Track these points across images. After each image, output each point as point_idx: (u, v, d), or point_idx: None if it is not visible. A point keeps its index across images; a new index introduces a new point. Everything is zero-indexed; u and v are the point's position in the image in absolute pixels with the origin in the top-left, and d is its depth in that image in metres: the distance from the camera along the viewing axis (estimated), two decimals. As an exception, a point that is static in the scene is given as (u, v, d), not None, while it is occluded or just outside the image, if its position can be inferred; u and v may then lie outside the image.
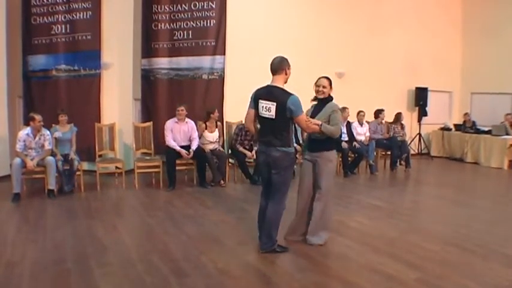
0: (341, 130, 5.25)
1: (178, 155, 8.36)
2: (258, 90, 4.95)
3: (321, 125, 4.97)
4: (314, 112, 5.26)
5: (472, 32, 13.98)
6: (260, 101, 4.84)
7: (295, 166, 5.29)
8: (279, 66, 4.83)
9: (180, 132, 8.57)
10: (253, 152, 8.92)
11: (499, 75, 12.98)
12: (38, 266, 4.59)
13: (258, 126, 5.06)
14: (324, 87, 5.20)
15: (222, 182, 8.72)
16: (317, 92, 5.24)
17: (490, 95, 13.50)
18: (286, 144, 4.86)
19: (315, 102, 5.34)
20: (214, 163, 8.67)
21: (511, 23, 12.78)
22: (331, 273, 4.60)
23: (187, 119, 8.65)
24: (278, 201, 5.01)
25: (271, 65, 4.87)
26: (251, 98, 5.01)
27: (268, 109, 4.77)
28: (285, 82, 4.93)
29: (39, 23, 9.11)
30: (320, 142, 5.16)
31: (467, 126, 12.99)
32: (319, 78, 5.28)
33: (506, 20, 12.90)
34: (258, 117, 4.94)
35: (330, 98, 5.26)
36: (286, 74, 4.87)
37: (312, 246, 5.25)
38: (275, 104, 4.72)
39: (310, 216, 5.36)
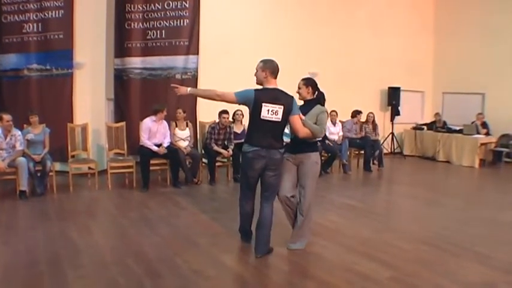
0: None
1: (153, 154, 8.31)
2: (260, 92, 4.78)
3: (304, 120, 4.93)
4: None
5: (444, 33, 14.23)
6: (265, 104, 4.70)
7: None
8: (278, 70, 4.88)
9: (158, 131, 8.52)
10: (229, 150, 8.93)
11: (470, 76, 13.22)
12: (10, 268, 4.52)
13: (254, 128, 4.85)
14: (299, 88, 5.22)
15: (195, 180, 8.72)
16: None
17: (461, 94, 13.72)
18: (282, 146, 4.93)
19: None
20: (186, 163, 8.65)
21: (481, 25, 13.01)
22: (306, 273, 4.64)
23: None
24: (272, 203, 5.02)
25: (275, 68, 4.83)
26: (247, 94, 4.76)
27: (275, 112, 4.71)
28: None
29: (10, 21, 8.90)
30: (304, 143, 5.06)
31: (438, 126, 13.20)
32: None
33: (476, 22, 13.13)
34: (259, 120, 4.74)
35: (316, 101, 5.19)
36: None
37: (287, 246, 5.27)
38: (282, 107, 4.71)
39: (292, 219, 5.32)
